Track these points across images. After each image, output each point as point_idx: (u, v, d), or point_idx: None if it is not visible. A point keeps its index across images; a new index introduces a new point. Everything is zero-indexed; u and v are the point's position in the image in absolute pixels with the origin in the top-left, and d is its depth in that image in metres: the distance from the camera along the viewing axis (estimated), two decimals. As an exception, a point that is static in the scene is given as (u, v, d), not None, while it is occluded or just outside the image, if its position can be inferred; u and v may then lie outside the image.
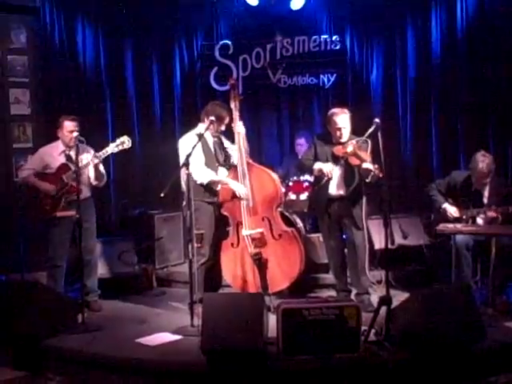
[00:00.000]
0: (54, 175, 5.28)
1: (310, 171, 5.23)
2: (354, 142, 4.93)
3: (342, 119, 5.04)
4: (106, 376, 4.11)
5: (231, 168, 5.27)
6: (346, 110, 5.12)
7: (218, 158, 5.25)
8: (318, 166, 5.07)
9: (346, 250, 5.27)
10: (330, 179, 5.02)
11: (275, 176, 5.25)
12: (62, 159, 5.34)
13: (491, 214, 5.09)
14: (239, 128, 5.16)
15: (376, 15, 7.51)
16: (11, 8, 6.91)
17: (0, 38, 6.89)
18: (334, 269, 5.34)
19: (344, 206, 5.12)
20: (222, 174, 5.24)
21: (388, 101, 7.61)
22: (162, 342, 4.40)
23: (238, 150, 5.14)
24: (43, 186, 5.27)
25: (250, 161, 5.23)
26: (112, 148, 5.23)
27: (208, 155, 5.15)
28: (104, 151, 5.22)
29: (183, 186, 4.98)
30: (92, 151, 5.40)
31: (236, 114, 5.20)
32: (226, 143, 5.37)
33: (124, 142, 5.24)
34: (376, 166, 4.67)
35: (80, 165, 5.11)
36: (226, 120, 5.20)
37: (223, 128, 5.24)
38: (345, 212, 5.13)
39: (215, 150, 5.25)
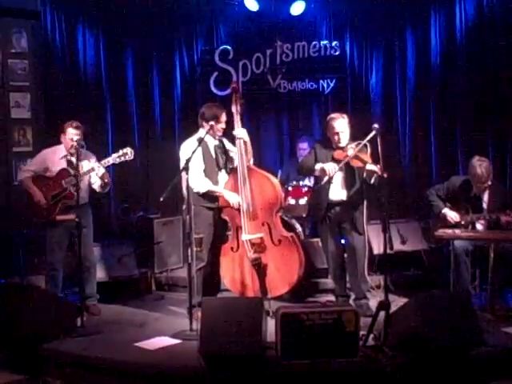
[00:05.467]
0: (54, 179, 5.28)
1: (312, 171, 5.20)
2: (353, 145, 4.96)
3: (340, 124, 5.08)
4: (104, 380, 4.12)
5: (231, 172, 5.27)
6: (344, 115, 5.17)
7: (219, 162, 5.22)
8: (319, 165, 5.07)
9: (345, 255, 5.28)
10: (331, 178, 4.99)
11: (276, 181, 5.26)
12: (63, 164, 5.32)
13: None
14: (241, 133, 5.15)
15: (375, 21, 7.54)
16: (12, 12, 6.94)
17: (1, 42, 6.92)
18: (333, 273, 5.34)
19: (345, 211, 5.13)
20: (223, 178, 5.24)
21: (387, 106, 7.63)
22: (161, 346, 4.40)
23: (238, 155, 5.13)
24: (36, 195, 5.25)
25: (251, 165, 5.24)
26: (114, 158, 5.21)
27: (208, 161, 5.14)
28: (106, 160, 5.21)
29: (184, 190, 4.99)
30: (94, 158, 5.41)
31: (238, 118, 5.20)
32: (228, 145, 5.35)
33: (127, 153, 5.21)
34: (379, 166, 4.68)
35: (81, 171, 5.14)
36: (223, 117, 5.16)
37: (223, 126, 5.19)
38: (345, 217, 5.14)
39: (216, 153, 5.22)
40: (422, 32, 7.40)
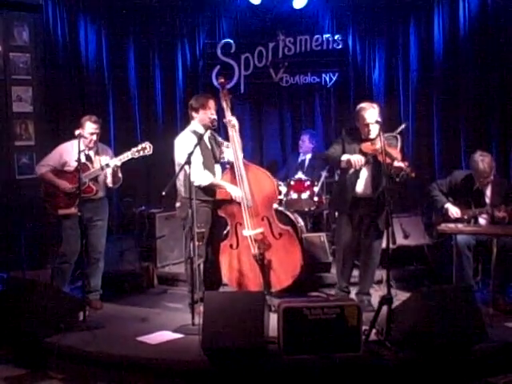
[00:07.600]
0: (73, 174, 5.24)
1: (337, 163, 4.96)
2: (382, 138, 4.68)
3: (371, 114, 4.83)
4: (106, 374, 4.12)
5: (227, 168, 5.21)
6: (374, 105, 4.93)
7: (215, 153, 5.16)
8: (345, 157, 4.84)
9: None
10: (357, 171, 4.85)
11: (269, 174, 5.18)
12: (82, 158, 5.18)
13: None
14: (234, 120, 5.06)
15: (378, 14, 7.52)
16: (14, 5, 6.92)
17: (2, 36, 6.89)
18: (342, 267, 5.20)
19: (369, 208, 4.98)
20: (218, 171, 5.19)
21: (390, 100, 7.60)
22: (163, 341, 4.41)
23: (233, 148, 5.05)
24: (60, 183, 5.24)
25: (245, 160, 5.14)
26: (133, 153, 5.19)
27: (206, 153, 5.06)
28: (125, 155, 5.18)
29: (178, 185, 4.97)
30: (110, 152, 5.42)
31: (228, 113, 5.12)
32: (219, 138, 5.30)
33: (145, 147, 5.19)
34: (406, 163, 4.59)
35: (99, 165, 5.17)
36: (211, 103, 5.04)
37: (213, 112, 5.04)
38: (369, 213, 5.01)
39: (212, 145, 5.16)
40: (426, 25, 7.38)
